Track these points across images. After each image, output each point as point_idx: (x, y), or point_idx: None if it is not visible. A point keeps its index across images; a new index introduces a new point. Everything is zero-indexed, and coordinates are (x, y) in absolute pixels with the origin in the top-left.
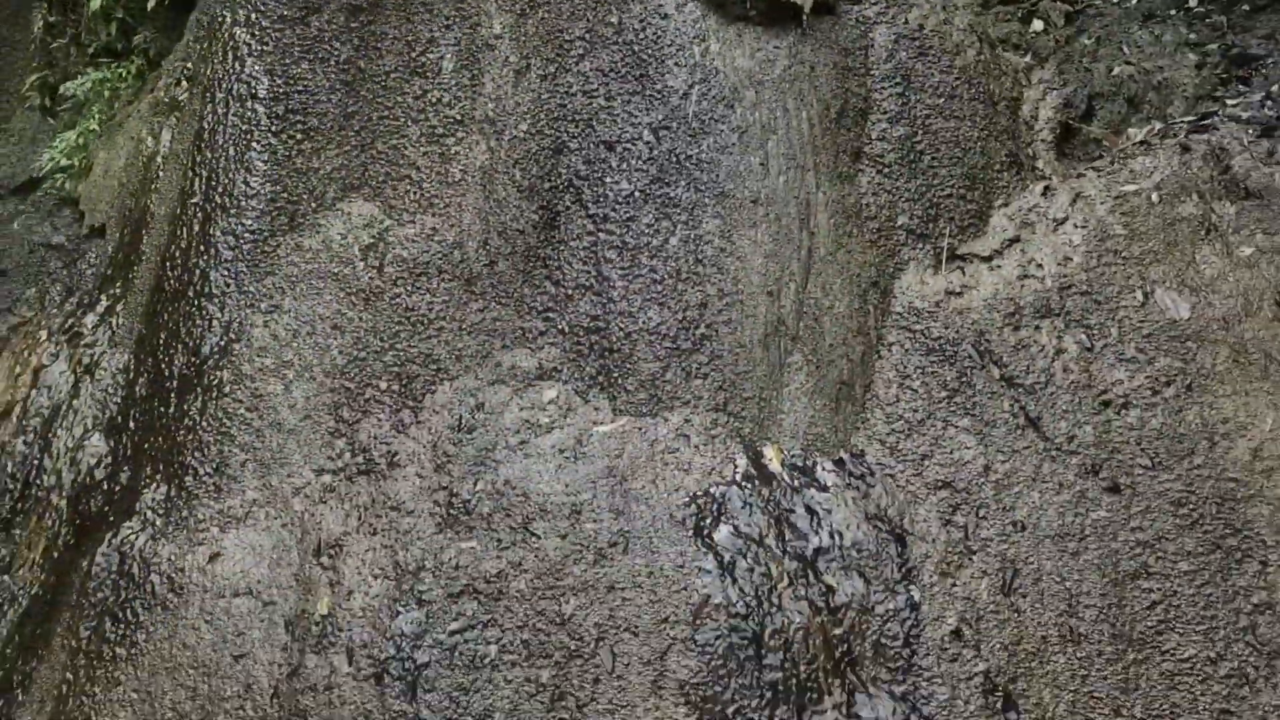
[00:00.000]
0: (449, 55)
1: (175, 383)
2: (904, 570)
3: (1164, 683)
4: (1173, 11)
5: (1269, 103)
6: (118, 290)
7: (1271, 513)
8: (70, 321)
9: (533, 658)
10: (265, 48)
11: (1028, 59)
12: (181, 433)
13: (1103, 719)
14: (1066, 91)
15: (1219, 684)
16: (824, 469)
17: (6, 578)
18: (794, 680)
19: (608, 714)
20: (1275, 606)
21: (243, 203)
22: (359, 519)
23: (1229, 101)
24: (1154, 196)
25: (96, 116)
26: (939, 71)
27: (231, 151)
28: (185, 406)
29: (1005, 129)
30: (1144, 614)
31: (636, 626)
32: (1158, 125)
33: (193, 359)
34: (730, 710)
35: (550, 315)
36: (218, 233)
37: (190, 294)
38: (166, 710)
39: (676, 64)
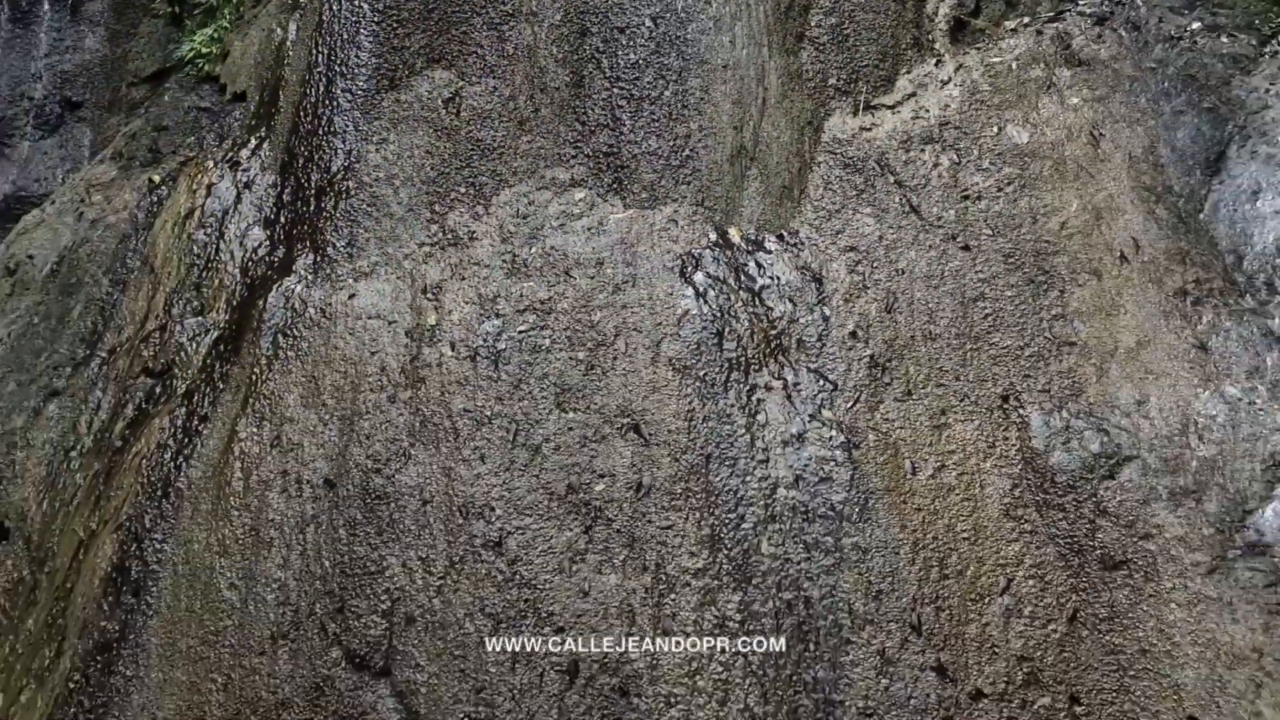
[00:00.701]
0: None
1: (313, 190)
2: (820, 298)
3: (990, 360)
4: None
5: (1107, 2)
6: (262, 133)
7: (1069, 260)
8: (229, 154)
9: (573, 346)
10: None
11: None
12: (320, 221)
13: (946, 381)
14: None
15: (1025, 360)
16: (769, 241)
17: (200, 317)
18: (743, 358)
19: (622, 376)
20: (1065, 316)
21: (355, 70)
22: (452, 271)
23: (1080, 1)
24: (1013, 64)
25: (228, 16)
26: None
27: (345, 36)
28: (322, 204)
29: (912, 20)
30: (980, 322)
31: (641, 328)
32: (1026, 19)
33: (325, 174)
34: (701, 373)
35: (579, 144)
36: (339, 91)
37: (320, 132)
38: (326, 386)
39: None
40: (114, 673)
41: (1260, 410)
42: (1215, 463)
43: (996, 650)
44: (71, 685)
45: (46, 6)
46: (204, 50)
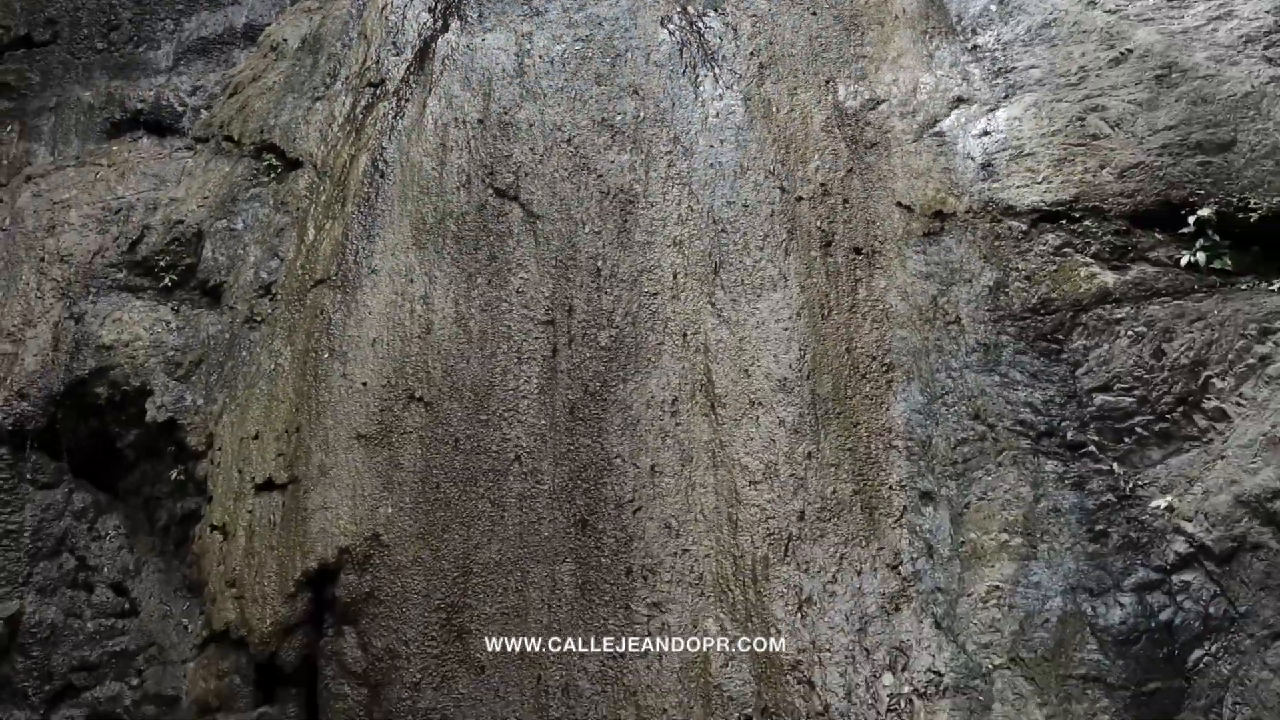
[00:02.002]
0: None
1: None
2: (735, 37)
3: (821, 64)
4: None
5: None
6: None
7: (868, 18)
8: None
9: (603, 56)
10: None
11: None
12: (462, 5)
13: (798, 74)
14: None
15: (839, 63)
16: (710, 12)
17: (397, 56)
18: (693, 61)
19: (629, 70)
20: (863, 44)
21: None
22: (536, 26)
23: None
24: None
25: None
26: None
27: None
28: None
29: None
30: (819, 47)
31: (639, 47)
32: None
33: None
34: (669, 68)
35: None
36: None
37: None
38: (474, 79)
39: None
40: (375, 209)
41: (950, 79)
42: (925, 102)
43: (809, 180)
44: (350, 215)
45: None
46: None
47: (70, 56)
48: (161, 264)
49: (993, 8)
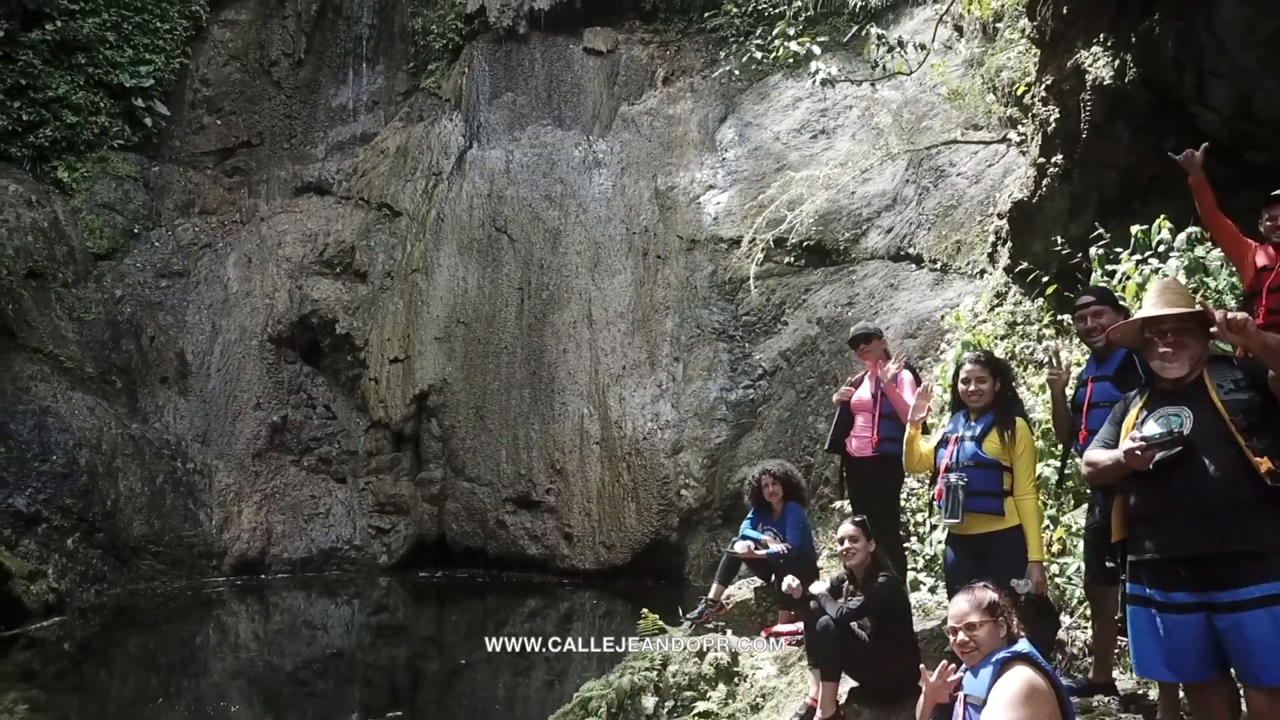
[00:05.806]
0: None
1: (474, 129)
2: (611, 149)
3: (650, 151)
4: None
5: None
6: (456, 114)
7: None
8: (449, 118)
9: (544, 162)
10: None
11: None
12: (481, 135)
13: (637, 161)
14: None
15: (659, 152)
16: (600, 140)
17: (447, 160)
18: (589, 160)
19: (563, 160)
20: None
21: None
22: (514, 147)
23: None
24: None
25: None
26: None
27: None
28: (477, 132)
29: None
30: (650, 149)
31: (563, 154)
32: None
33: (473, 123)
34: (579, 169)
35: (550, 114)
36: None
37: (473, 116)
38: (486, 168)
39: None
40: (440, 237)
41: (708, 176)
42: (694, 187)
43: (640, 224)
44: (428, 240)
45: None
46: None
47: (271, 152)
48: (335, 261)
49: (735, 139)
